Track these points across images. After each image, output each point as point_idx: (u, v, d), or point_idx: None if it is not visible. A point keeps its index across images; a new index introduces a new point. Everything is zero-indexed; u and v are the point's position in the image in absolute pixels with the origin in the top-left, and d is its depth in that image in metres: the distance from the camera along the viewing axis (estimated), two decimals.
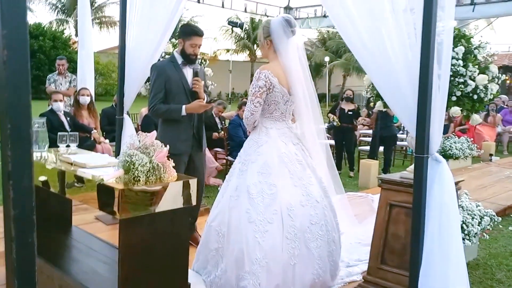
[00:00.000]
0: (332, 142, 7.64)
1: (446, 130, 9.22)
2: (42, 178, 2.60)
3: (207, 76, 4.94)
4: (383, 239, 2.86)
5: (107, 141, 5.89)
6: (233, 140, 6.57)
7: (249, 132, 3.06)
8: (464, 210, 3.43)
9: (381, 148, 7.49)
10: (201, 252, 2.97)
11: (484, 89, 3.25)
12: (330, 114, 7.87)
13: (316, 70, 29.30)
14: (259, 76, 2.89)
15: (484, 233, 3.57)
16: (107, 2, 31.11)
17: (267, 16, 11.58)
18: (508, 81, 21.35)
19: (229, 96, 27.31)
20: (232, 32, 31.65)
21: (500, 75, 3.39)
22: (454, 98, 3.23)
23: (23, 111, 0.95)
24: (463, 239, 3.23)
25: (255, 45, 30.93)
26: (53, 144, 2.88)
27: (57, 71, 6.87)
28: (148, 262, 2.14)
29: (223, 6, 11.91)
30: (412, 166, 2.46)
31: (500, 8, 8.72)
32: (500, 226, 4.40)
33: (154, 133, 2.25)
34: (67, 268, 2.60)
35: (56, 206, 3.06)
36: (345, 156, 7.83)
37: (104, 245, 2.91)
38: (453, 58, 3.24)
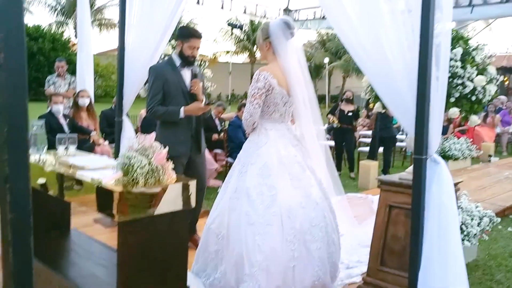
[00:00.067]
0: (332, 143, 7.66)
1: (445, 131, 9.23)
2: (41, 180, 2.59)
3: (206, 77, 4.94)
4: (383, 240, 2.85)
5: (106, 143, 5.86)
6: (233, 141, 6.57)
7: (248, 134, 3.05)
8: (463, 211, 3.43)
9: (381, 149, 7.49)
10: (201, 255, 2.95)
11: (482, 90, 3.26)
12: (329, 115, 7.89)
13: (315, 71, 29.38)
14: (258, 78, 2.89)
15: (483, 234, 3.57)
16: (106, 4, 31.20)
17: (267, 18, 11.57)
18: (506, 82, 21.38)
19: (229, 98, 27.34)
20: (231, 34, 31.72)
21: (498, 76, 3.40)
22: (452, 100, 3.23)
23: (20, 114, 0.95)
24: (463, 240, 3.23)
25: (254, 47, 30.93)
26: (51, 146, 2.87)
27: (56, 73, 6.85)
28: (147, 265, 2.13)
29: (222, 8, 11.91)
30: (411, 167, 2.46)
31: (499, 10, 8.70)
32: (500, 227, 4.40)
33: (153, 134, 2.24)
34: (66, 271, 2.59)
35: (54, 209, 3.04)
36: (345, 157, 7.83)
37: (103, 248, 2.90)
38: (451, 59, 3.25)
